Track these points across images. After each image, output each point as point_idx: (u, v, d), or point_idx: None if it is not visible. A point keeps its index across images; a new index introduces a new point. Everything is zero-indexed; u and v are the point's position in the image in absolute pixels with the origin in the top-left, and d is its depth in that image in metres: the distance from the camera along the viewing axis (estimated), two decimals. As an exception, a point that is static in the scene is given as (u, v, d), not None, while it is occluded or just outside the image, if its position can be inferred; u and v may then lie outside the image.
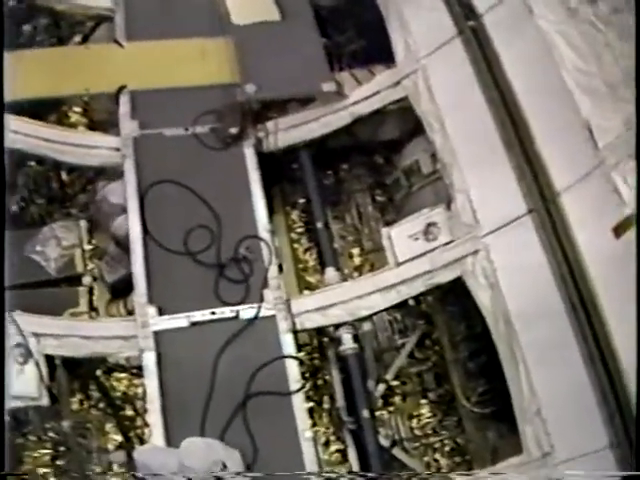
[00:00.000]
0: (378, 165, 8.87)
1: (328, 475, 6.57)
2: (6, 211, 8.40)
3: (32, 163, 8.48)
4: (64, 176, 8.57)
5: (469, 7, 7.70)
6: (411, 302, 7.52)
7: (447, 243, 7.05)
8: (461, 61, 7.57)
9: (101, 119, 8.61)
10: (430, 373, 7.91)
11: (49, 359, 6.78)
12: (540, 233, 6.55)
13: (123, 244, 7.63)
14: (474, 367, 7.63)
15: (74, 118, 8.62)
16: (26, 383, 6.61)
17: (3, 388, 5.56)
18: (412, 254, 7.14)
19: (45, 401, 6.69)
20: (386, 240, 7.34)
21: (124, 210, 7.62)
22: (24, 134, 7.81)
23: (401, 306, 7.61)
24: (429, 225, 7.17)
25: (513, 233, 6.69)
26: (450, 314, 7.86)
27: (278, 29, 8.52)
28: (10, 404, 6.58)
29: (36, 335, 6.74)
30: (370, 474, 6.53)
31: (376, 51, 8.57)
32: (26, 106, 8.07)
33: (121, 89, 8.16)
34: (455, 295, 7.47)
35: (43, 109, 8.39)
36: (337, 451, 7.48)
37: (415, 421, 7.79)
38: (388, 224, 7.87)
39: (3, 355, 5.57)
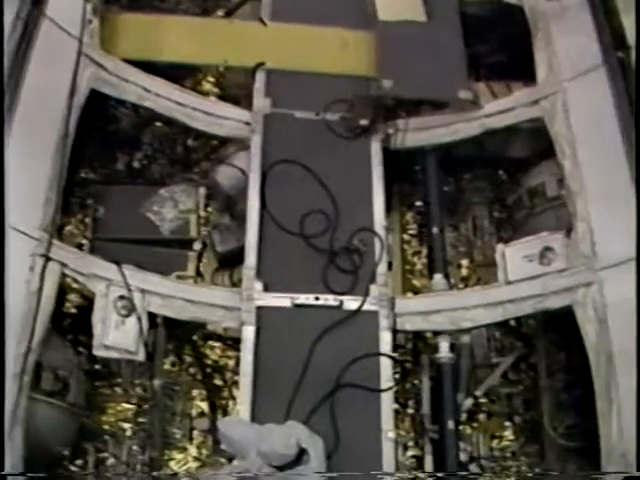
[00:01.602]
0: (501, 181, 8.80)
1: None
2: (129, 166, 8.63)
3: (159, 123, 8.62)
4: (190, 141, 8.71)
5: (620, 36, 7.51)
6: (512, 322, 7.49)
7: (561, 270, 6.92)
8: (603, 91, 7.39)
9: (232, 92, 8.69)
10: (520, 397, 7.83)
11: (151, 317, 6.87)
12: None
13: (237, 215, 7.72)
14: (567, 398, 7.52)
15: (207, 87, 8.72)
16: (125, 336, 6.70)
17: (3, 388, 5.56)
18: (524, 275, 7.03)
19: (141, 357, 6.78)
20: (499, 257, 7.24)
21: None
22: (156, 94, 7.91)
23: (502, 325, 7.59)
24: (546, 249, 7.04)
25: (630, 272, 6.49)
26: (551, 341, 7.74)
27: (422, 30, 8.42)
28: (105, 353, 6.73)
29: (142, 291, 6.84)
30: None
31: (515, 67, 8.42)
32: (161, 68, 8.17)
33: (259, 65, 8.20)
34: (559, 323, 7.34)
35: (178, 74, 8.48)
36: (413, 457, 7.49)
37: (496, 442, 7.71)
38: (502, 241, 7.81)
39: (3, 355, 5.59)
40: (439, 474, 6.87)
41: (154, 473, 7.14)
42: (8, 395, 5.81)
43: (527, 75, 8.09)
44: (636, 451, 5.78)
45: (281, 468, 5.69)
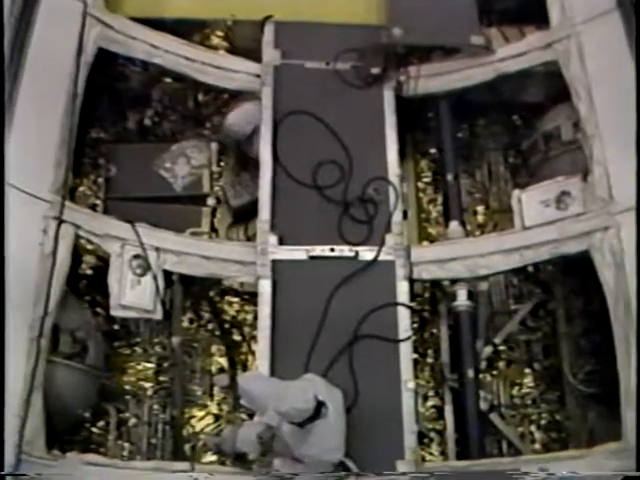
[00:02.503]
0: (516, 126, 8.68)
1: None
2: (140, 124, 8.58)
3: (169, 80, 8.53)
4: (200, 97, 8.63)
5: (633, -19, 7.41)
6: (530, 269, 7.42)
7: (578, 215, 6.87)
8: (617, 34, 7.28)
9: (241, 45, 8.59)
10: (539, 343, 7.81)
11: (166, 274, 6.88)
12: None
13: (251, 167, 7.70)
14: (586, 344, 7.51)
15: (215, 41, 8.62)
16: (141, 295, 6.74)
17: (3, 388, 5.54)
18: (541, 220, 7.00)
19: (159, 315, 6.82)
20: (516, 202, 7.20)
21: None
22: (164, 50, 7.86)
23: (519, 271, 7.53)
24: (562, 194, 7.00)
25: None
26: (569, 287, 7.70)
27: (432, -24, 8.33)
28: (122, 313, 6.76)
29: (157, 249, 6.86)
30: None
31: (527, 11, 8.29)
32: (168, 24, 8.10)
33: (267, 18, 8.12)
34: (577, 268, 7.28)
35: (185, 29, 8.37)
36: (433, 407, 7.50)
37: (516, 389, 7.70)
38: (518, 186, 7.70)
39: (3, 355, 5.58)
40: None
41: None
42: (26, 359, 5.86)
43: (540, 19, 7.96)
44: (636, 451, 5.76)
45: (300, 424, 5.71)
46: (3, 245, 5.63)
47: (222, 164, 8.28)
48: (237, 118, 7.76)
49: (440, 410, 7.41)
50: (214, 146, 8.18)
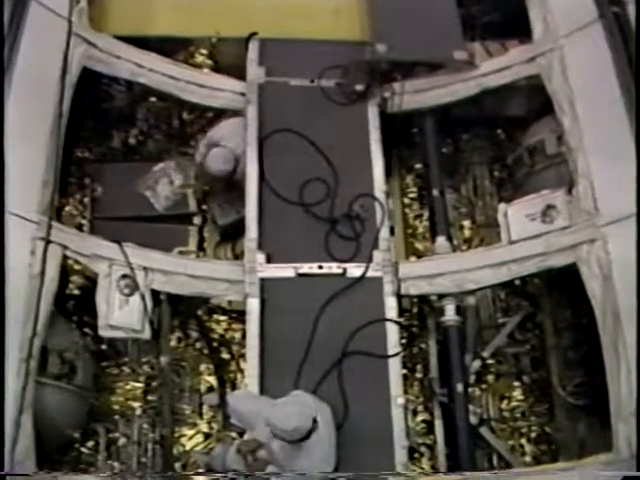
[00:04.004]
0: (500, 140, 8.74)
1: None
2: (125, 143, 8.58)
3: (153, 99, 8.55)
4: (185, 115, 8.67)
5: (614, -9, 7.46)
6: (517, 282, 7.49)
7: (564, 228, 6.88)
8: (600, 46, 7.28)
9: (226, 63, 8.59)
10: (527, 356, 7.84)
11: (154, 294, 6.87)
12: (663, 230, 6.34)
13: (237, 188, 7.65)
14: (574, 356, 7.54)
15: (200, 59, 8.63)
16: (129, 315, 6.71)
17: (3, 388, 5.54)
18: (527, 234, 7.00)
19: (147, 335, 6.79)
20: (502, 216, 7.20)
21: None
22: (149, 69, 7.85)
23: (507, 285, 7.58)
24: (548, 207, 7.01)
25: (634, 227, 6.45)
26: (557, 299, 7.74)
27: (414, -8, 8.37)
28: (110, 333, 6.72)
29: (144, 269, 6.84)
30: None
31: (510, 25, 8.33)
32: (153, 43, 8.10)
33: (252, 35, 8.13)
34: (564, 281, 7.31)
35: (170, 47, 8.38)
36: (423, 422, 7.52)
37: (506, 403, 7.73)
38: (504, 200, 7.72)
39: (3, 355, 5.58)
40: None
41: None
42: (15, 381, 5.83)
43: (522, 33, 7.99)
44: (636, 451, 5.77)
45: (293, 441, 5.68)
46: (3, 267, 5.66)
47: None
48: (214, 160, 7.63)
49: (430, 425, 7.41)
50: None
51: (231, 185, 7.79)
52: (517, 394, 7.76)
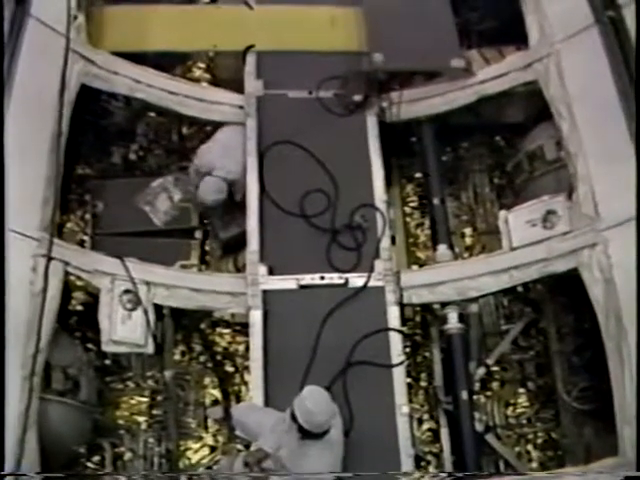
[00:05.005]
0: (499, 147, 8.76)
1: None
2: (125, 159, 8.60)
3: (152, 114, 8.58)
4: (184, 129, 8.70)
5: (610, -4, 7.48)
6: (520, 289, 7.46)
7: (565, 233, 6.89)
8: (596, 50, 7.30)
9: (224, 76, 8.62)
10: (532, 362, 7.84)
11: (157, 308, 6.88)
12: (664, 233, 6.34)
13: (237, 204, 7.68)
14: (578, 361, 7.52)
15: (198, 73, 8.66)
16: (132, 330, 6.73)
17: (3, 388, 5.54)
18: (528, 240, 7.03)
19: (150, 349, 6.80)
20: (502, 223, 7.23)
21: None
22: (147, 84, 7.89)
23: (509, 292, 7.56)
24: (548, 213, 7.03)
25: (634, 230, 6.44)
26: (560, 305, 7.72)
27: (410, 1, 8.36)
28: (114, 348, 6.74)
29: (147, 283, 6.85)
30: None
31: (506, 32, 8.36)
32: (150, 58, 8.15)
33: (249, 48, 8.17)
34: (567, 286, 7.30)
35: (168, 62, 8.44)
36: (429, 430, 7.50)
37: (511, 409, 7.71)
38: (504, 207, 7.76)
39: (3, 355, 5.58)
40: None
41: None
42: (20, 398, 5.82)
43: (519, 39, 8.03)
44: (636, 451, 5.76)
45: (315, 435, 5.71)
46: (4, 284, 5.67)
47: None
48: (206, 193, 7.67)
49: (436, 433, 7.40)
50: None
51: (230, 205, 7.82)
52: (522, 400, 7.73)
